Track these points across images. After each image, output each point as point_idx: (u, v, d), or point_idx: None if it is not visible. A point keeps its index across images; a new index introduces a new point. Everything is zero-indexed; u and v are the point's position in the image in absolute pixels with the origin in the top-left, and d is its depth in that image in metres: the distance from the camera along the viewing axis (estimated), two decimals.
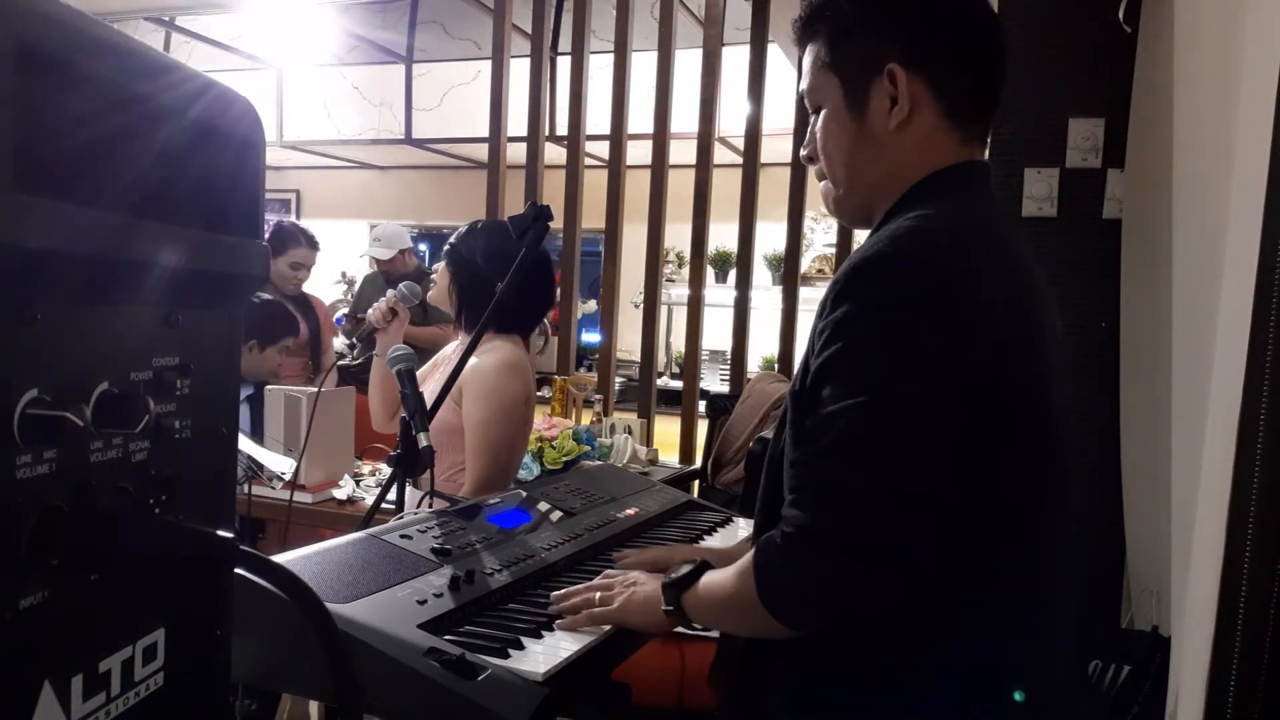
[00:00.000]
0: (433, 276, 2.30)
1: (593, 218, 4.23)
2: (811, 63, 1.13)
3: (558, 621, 1.13)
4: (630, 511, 1.64)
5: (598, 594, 1.16)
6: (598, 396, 3.86)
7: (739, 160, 4.21)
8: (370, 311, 2.21)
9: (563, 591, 1.19)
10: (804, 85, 1.15)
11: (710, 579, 1.11)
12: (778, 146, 4.32)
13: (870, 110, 1.09)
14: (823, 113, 1.13)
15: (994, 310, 0.98)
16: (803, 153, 1.19)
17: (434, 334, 4.08)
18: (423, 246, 9.26)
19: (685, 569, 1.14)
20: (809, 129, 1.17)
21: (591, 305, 6.61)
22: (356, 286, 5.88)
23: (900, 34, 1.07)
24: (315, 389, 2.26)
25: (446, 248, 2.25)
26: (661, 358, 6.48)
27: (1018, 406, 0.99)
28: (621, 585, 1.18)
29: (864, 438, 0.93)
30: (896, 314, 0.95)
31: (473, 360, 2.10)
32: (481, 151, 5.02)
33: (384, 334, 2.18)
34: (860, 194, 1.13)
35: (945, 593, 0.97)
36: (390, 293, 2.21)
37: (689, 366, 4.33)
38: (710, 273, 5.67)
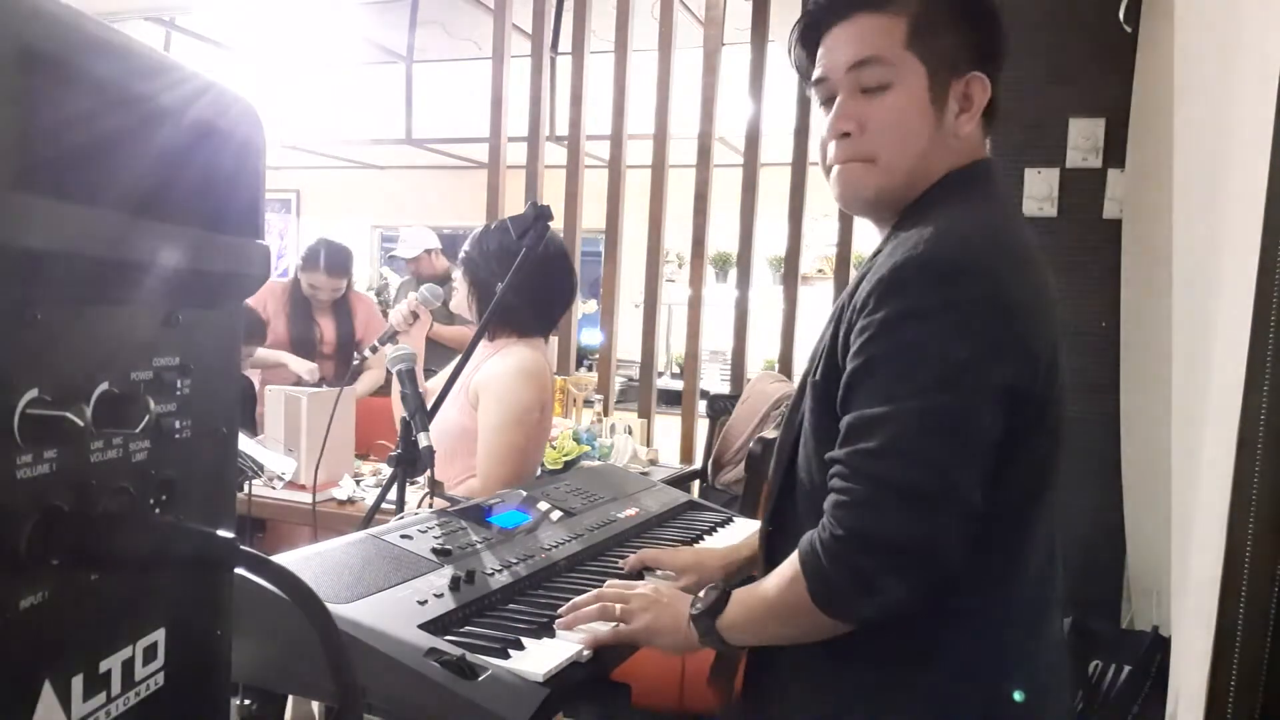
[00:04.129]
0: (454, 284, 2.31)
1: (593, 218, 4.23)
2: (883, 32, 1.06)
3: (559, 621, 1.11)
4: (630, 511, 1.64)
5: (616, 608, 1.12)
6: (598, 396, 3.85)
7: (739, 160, 4.21)
8: (392, 314, 2.22)
9: (570, 604, 1.14)
10: (870, 52, 1.07)
11: (744, 597, 1.08)
12: (778, 146, 4.31)
13: (946, 107, 1.08)
14: (892, 93, 1.06)
15: (1025, 313, 1.00)
16: (843, 127, 1.09)
17: (461, 333, 4.05)
18: None
19: (712, 595, 1.09)
20: (849, 103, 1.09)
21: (591, 305, 6.61)
22: (392, 291, 5.90)
23: (986, 42, 1.09)
24: (313, 389, 2.27)
25: (461, 255, 2.24)
26: (661, 358, 6.48)
27: (1045, 407, 1.02)
28: (640, 600, 1.14)
29: (911, 441, 0.94)
30: (940, 318, 0.96)
31: (490, 364, 2.11)
32: (481, 151, 5.02)
33: (405, 336, 2.18)
34: (911, 186, 1.09)
35: (964, 586, 0.98)
36: (412, 295, 2.22)
37: (689, 366, 4.33)
38: (710, 273, 5.67)
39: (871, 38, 1.07)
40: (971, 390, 0.95)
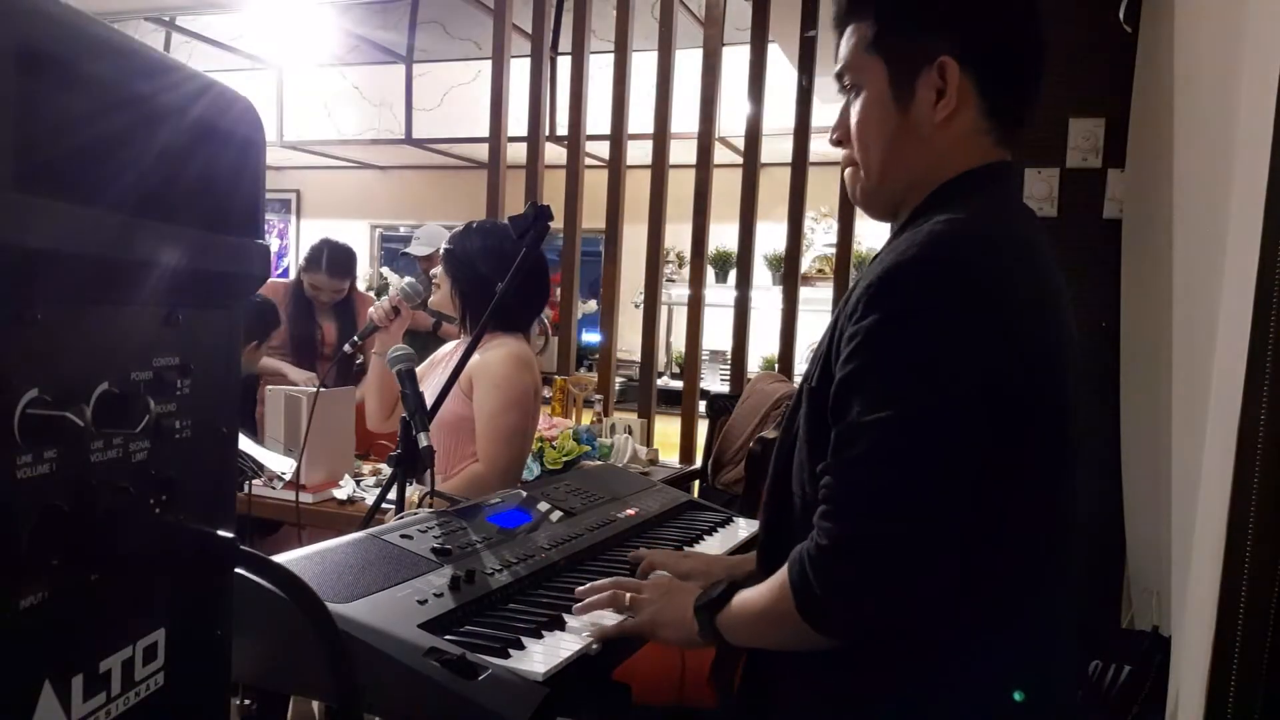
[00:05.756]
0: (435, 280, 2.32)
1: (593, 218, 4.23)
2: (854, 42, 1.10)
3: (576, 606, 1.15)
4: (630, 511, 1.64)
5: (627, 595, 1.16)
6: (598, 396, 3.85)
7: (739, 160, 4.21)
8: (372, 309, 2.22)
9: (587, 586, 1.19)
10: (842, 63, 1.11)
11: (744, 598, 1.08)
12: (778, 146, 4.31)
13: (916, 101, 1.06)
14: (862, 96, 1.09)
15: (1022, 318, 0.98)
16: (832, 136, 1.15)
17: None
18: None
19: (717, 590, 1.11)
20: (841, 112, 1.13)
21: (591, 305, 6.61)
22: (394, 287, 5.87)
23: (957, 28, 1.05)
24: (314, 388, 2.27)
25: (443, 251, 2.27)
26: (661, 358, 6.48)
27: (1040, 416, 0.99)
28: (650, 591, 1.17)
29: (896, 450, 0.93)
30: (928, 323, 0.94)
31: (479, 356, 2.12)
32: (481, 151, 5.02)
33: (385, 332, 2.19)
34: (893, 186, 1.10)
35: (968, 597, 0.97)
36: (393, 290, 2.22)
37: (689, 366, 4.33)
38: (710, 273, 5.67)
39: (845, 47, 1.11)
40: (955, 395, 0.93)
